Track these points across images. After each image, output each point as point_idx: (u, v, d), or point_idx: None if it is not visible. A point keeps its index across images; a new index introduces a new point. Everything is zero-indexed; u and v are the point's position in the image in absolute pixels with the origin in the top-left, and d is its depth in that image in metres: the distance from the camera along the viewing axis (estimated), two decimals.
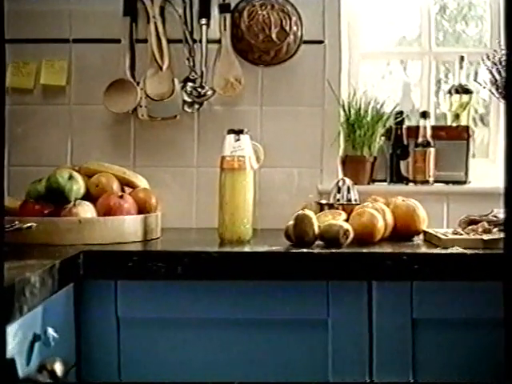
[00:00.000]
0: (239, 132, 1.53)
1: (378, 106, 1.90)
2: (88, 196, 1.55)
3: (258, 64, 1.87)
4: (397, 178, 1.93)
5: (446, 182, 1.92)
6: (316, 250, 1.37)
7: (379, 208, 1.57)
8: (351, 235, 1.44)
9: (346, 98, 1.91)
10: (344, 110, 1.89)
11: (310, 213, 1.44)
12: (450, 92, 2.01)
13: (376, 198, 1.78)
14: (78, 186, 1.53)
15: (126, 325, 1.37)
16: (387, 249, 1.43)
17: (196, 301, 1.36)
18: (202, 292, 1.36)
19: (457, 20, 2.18)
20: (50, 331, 1.12)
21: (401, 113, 1.94)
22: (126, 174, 1.62)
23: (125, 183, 1.63)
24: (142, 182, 1.64)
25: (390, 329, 1.35)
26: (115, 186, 1.58)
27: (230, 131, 1.54)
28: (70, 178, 1.52)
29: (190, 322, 1.37)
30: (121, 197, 1.52)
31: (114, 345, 1.36)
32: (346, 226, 1.44)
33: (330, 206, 1.68)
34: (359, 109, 1.89)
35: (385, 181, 1.95)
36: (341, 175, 1.90)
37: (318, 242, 1.44)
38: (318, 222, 1.46)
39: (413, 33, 2.17)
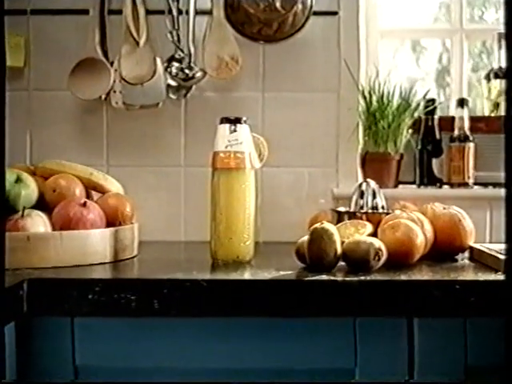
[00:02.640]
0: (236, 121, 1.19)
1: (406, 92, 1.56)
2: (42, 204, 1.21)
3: (259, 39, 1.53)
4: (428, 179, 1.60)
5: (485, 185, 1.59)
6: (339, 277, 1.02)
7: (416, 218, 1.22)
8: (384, 256, 1.10)
9: (366, 83, 1.57)
10: (364, 97, 1.55)
11: (330, 226, 1.10)
12: (487, 77, 1.68)
13: (405, 204, 1.45)
14: (29, 190, 1.18)
15: (85, 375, 1.03)
16: (431, 273, 1.10)
17: (179, 345, 1.03)
18: (187, 334, 1.03)
19: None
20: None
21: (432, 100, 1.60)
22: (92, 176, 1.27)
23: (91, 187, 1.28)
24: (113, 185, 1.30)
25: (437, 380, 1.02)
26: (78, 190, 1.24)
27: (224, 120, 1.19)
28: (18, 180, 1.18)
29: (171, 372, 1.03)
30: (84, 204, 1.17)
31: None
32: (378, 243, 1.10)
33: (351, 215, 1.35)
34: (382, 95, 1.55)
35: (413, 183, 1.62)
36: (360, 176, 1.56)
37: (340, 264, 1.10)
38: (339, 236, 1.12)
39: (438, 8, 1.85)
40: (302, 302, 1.00)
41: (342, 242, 1.11)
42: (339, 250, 1.09)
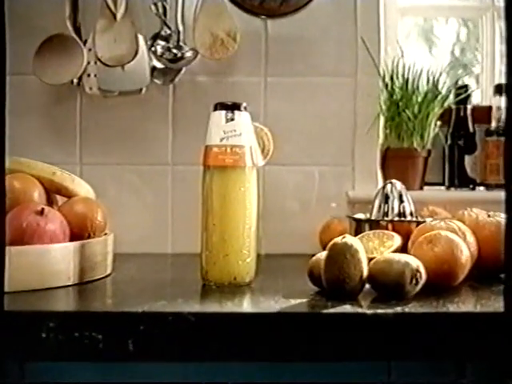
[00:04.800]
0: (233, 107, 0.94)
1: (433, 78, 1.32)
2: None
3: (260, 13, 1.29)
4: (459, 180, 1.36)
5: None
6: (368, 309, 0.78)
7: (457, 229, 0.99)
8: (423, 279, 0.86)
9: (387, 66, 1.32)
10: (385, 83, 1.31)
11: (353, 241, 0.85)
12: None
13: (435, 209, 1.22)
14: None
15: None
16: (483, 301, 0.86)
17: None
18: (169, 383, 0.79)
19: None
20: None
21: (465, 87, 1.36)
22: (55, 176, 1.03)
23: (54, 190, 1.04)
24: (81, 187, 1.06)
25: None
26: (36, 194, 1.00)
27: (219, 106, 0.95)
28: None
29: None
30: (41, 212, 0.93)
31: None
32: (415, 262, 0.86)
33: (373, 224, 1.11)
34: (407, 81, 1.31)
35: (442, 184, 1.38)
36: (380, 176, 1.32)
37: (366, 288, 0.86)
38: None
39: None
40: (319, 342, 0.76)
41: (369, 260, 0.87)
42: (365, 272, 0.85)
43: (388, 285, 0.84)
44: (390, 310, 0.78)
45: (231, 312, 0.78)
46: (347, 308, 0.79)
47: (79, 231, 0.98)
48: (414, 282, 0.84)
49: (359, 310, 0.78)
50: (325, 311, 0.77)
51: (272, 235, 1.28)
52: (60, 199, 1.07)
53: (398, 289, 0.84)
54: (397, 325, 0.77)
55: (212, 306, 0.81)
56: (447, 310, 0.79)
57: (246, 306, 0.84)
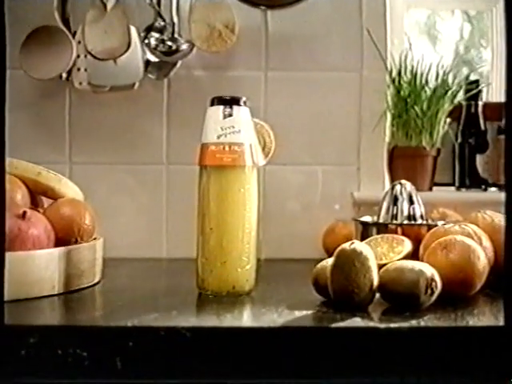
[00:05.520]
0: (232, 102, 0.87)
1: (444, 72, 1.25)
2: None
3: (260, 4, 1.21)
4: (470, 180, 1.29)
5: None
6: (382, 324, 0.71)
7: (473, 233, 0.92)
8: (439, 288, 0.79)
9: (394, 60, 1.25)
10: (392, 78, 1.24)
11: (363, 247, 0.78)
12: None
13: (445, 211, 1.15)
14: None
15: None
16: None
17: None
18: None
19: None
20: None
21: (476, 82, 1.29)
22: (40, 176, 0.96)
23: (40, 191, 0.97)
24: (69, 188, 0.99)
25: None
26: (20, 195, 0.93)
27: (216, 101, 0.88)
28: None
29: None
30: (23, 216, 0.86)
31: None
32: (430, 270, 0.79)
33: (381, 228, 1.04)
34: (415, 76, 1.24)
35: (451, 184, 1.31)
36: (387, 176, 1.26)
37: (376, 297, 0.79)
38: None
39: None
40: (327, 358, 0.69)
41: (379, 268, 0.80)
42: (376, 281, 0.78)
43: (401, 295, 0.77)
44: (404, 324, 0.71)
45: (230, 327, 0.71)
46: (357, 321, 0.72)
47: (65, 236, 0.91)
48: (429, 291, 0.77)
49: (371, 324, 0.71)
50: (333, 325, 0.70)
51: (272, 239, 1.21)
52: (47, 202, 1.00)
53: (412, 299, 0.77)
54: (412, 340, 0.70)
55: (209, 319, 0.74)
56: (467, 323, 0.72)
57: (247, 318, 0.77)
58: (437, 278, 0.78)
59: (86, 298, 0.87)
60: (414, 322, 0.71)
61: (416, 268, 0.78)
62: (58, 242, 0.90)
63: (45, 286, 0.85)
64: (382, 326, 0.70)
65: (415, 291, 0.77)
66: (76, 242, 0.92)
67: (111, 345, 0.69)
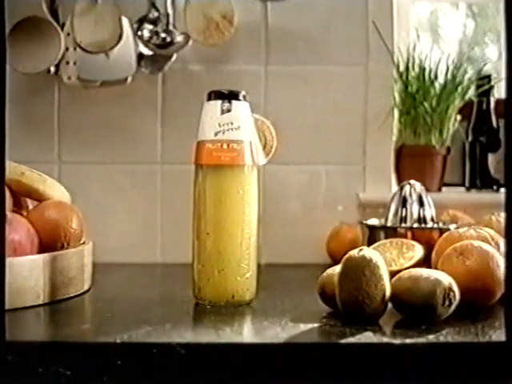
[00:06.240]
0: (230, 96, 0.81)
1: (454, 67, 1.18)
2: None
3: None
4: (482, 180, 1.23)
5: None
6: (397, 339, 0.64)
7: (489, 237, 0.85)
8: (457, 298, 0.72)
9: (402, 54, 1.19)
10: (400, 73, 1.17)
11: (373, 254, 0.72)
12: None
13: (456, 214, 1.09)
14: None
15: None
16: None
17: None
18: None
19: None
20: None
21: (487, 77, 1.23)
22: (24, 177, 0.89)
23: (23, 192, 0.91)
24: (55, 189, 0.92)
25: None
26: None
27: (214, 95, 0.81)
28: None
29: None
30: None
31: None
32: (447, 279, 0.72)
33: (390, 232, 0.98)
34: (424, 70, 1.18)
35: (461, 185, 1.25)
36: (394, 176, 1.19)
37: (388, 309, 0.72)
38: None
39: None
40: (336, 378, 0.63)
41: (391, 273, 0.74)
42: (388, 291, 0.71)
43: (416, 306, 0.71)
44: (421, 339, 0.64)
45: (229, 343, 0.64)
46: (369, 336, 0.65)
47: (50, 241, 0.85)
48: (446, 303, 0.70)
49: (384, 339, 0.65)
50: (343, 341, 0.64)
51: (273, 243, 1.15)
52: (33, 204, 0.93)
53: (428, 311, 0.70)
54: (430, 357, 0.63)
55: (206, 334, 0.67)
56: (490, 338, 0.65)
57: (248, 333, 0.70)
58: (455, 287, 0.72)
59: (73, 309, 0.80)
60: (431, 337, 0.65)
61: (432, 277, 0.71)
62: (43, 248, 0.83)
63: (28, 296, 0.79)
64: (397, 341, 0.64)
65: (432, 302, 0.70)
66: (62, 248, 0.85)
67: (98, 363, 0.63)
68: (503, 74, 1.38)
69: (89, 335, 0.69)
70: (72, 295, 0.85)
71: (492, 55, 1.46)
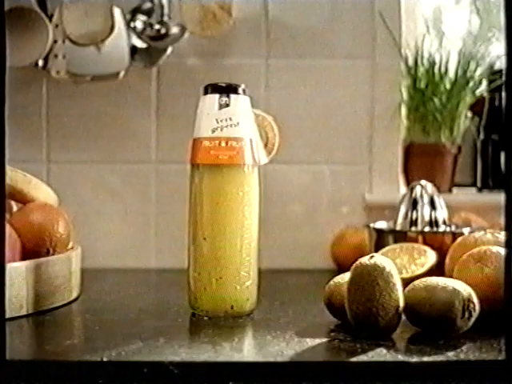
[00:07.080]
0: (229, 90, 0.74)
1: (467, 61, 1.12)
2: None
3: None
4: (494, 180, 1.17)
5: None
6: (413, 357, 0.58)
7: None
8: (477, 310, 0.66)
9: (410, 46, 1.13)
10: (408, 67, 1.11)
11: (385, 262, 0.66)
12: None
13: (468, 216, 1.03)
14: None
15: None
16: None
17: None
18: None
19: None
20: None
21: (500, 72, 1.17)
22: (6, 177, 0.82)
23: (6, 194, 0.84)
24: (40, 190, 0.86)
25: None
26: None
27: (211, 88, 0.75)
28: None
29: None
30: None
31: None
32: (466, 289, 0.66)
33: (399, 236, 0.92)
34: (433, 65, 1.11)
35: (473, 185, 1.19)
36: (401, 176, 1.13)
37: (402, 321, 0.66)
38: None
39: None
40: None
41: (404, 280, 0.68)
42: (402, 302, 0.65)
43: (432, 319, 0.65)
44: (440, 357, 0.58)
45: (228, 362, 0.57)
46: (383, 353, 0.59)
47: (35, 247, 0.79)
48: (466, 315, 0.64)
49: (400, 357, 0.58)
50: (354, 359, 0.57)
51: (274, 247, 1.08)
52: (18, 206, 0.87)
53: (446, 324, 0.64)
54: (451, 377, 0.57)
55: (203, 350, 0.61)
56: None
57: (249, 349, 0.63)
58: (474, 298, 0.66)
59: (59, 321, 0.74)
60: (451, 355, 0.59)
61: (449, 287, 0.65)
62: (27, 254, 0.77)
63: (10, 307, 0.72)
64: (413, 359, 0.58)
65: (450, 315, 0.64)
66: (48, 254, 0.79)
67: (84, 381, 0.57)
68: None
69: (73, 352, 0.62)
70: (58, 305, 0.79)
71: (501, 51, 1.40)
